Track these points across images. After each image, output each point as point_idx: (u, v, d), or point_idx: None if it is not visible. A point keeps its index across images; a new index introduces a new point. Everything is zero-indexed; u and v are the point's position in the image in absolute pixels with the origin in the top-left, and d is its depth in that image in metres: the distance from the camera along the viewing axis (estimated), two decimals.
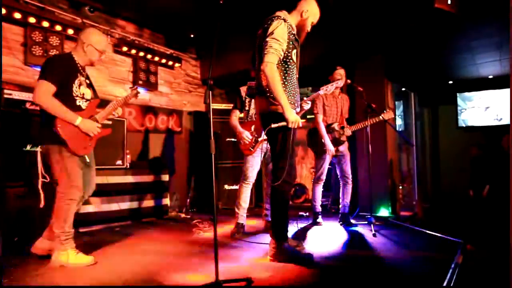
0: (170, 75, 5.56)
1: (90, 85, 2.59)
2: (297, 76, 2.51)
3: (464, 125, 6.95)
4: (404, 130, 6.94)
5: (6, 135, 3.09)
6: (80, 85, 2.46)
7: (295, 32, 2.43)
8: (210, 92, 2.01)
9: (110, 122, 3.91)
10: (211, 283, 1.92)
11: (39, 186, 2.46)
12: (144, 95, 5.11)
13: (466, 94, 6.88)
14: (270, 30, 2.29)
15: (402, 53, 4.94)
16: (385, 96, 4.99)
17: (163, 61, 5.24)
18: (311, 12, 2.47)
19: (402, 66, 5.44)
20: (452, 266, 2.28)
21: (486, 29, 4.21)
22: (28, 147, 2.46)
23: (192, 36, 5.32)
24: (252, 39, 2.57)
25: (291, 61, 2.40)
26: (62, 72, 2.35)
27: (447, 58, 5.34)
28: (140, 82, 4.94)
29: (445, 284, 2.03)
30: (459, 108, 6.96)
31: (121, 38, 4.77)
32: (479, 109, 6.77)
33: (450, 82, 6.67)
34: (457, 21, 3.91)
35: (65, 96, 2.35)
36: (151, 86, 5.13)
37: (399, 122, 6.84)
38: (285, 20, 2.34)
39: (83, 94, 2.49)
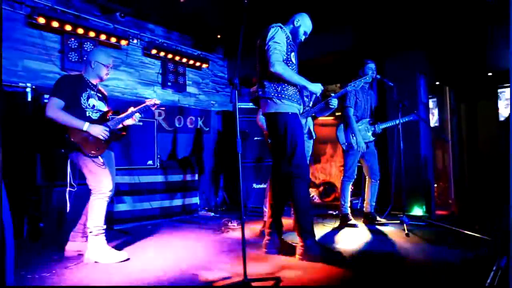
0: (198, 75, 5.65)
1: (102, 99, 2.82)
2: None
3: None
4: (438, 126, 6.63)
5: (46, 138, 3.31)
6: (88, 97, 2.69)
7: (291, 38, 2.68)
8: (236, 92, 2.05)
9: (141, 123, 4.05)
10: (239, 282, 1.93)
11: (66, 194, 2.66)
12: (173, 96, 5.24)
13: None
14: (269, 36, 2.53)
15: (439, 45, 4.69)
16: (418, 91, 4.79)
17: (191, 62, 5.33)
18: (302, 22, 2.71)
19: (437, 59, 5.19)
20: (494, 269, 2.15)
21: None
22: (63, 150, 2.64)
23: (219, 36, 5.37)
24: None
25: (290, 62, 2.60)
26: (68, 87, 2.60)
27: (487, 49, 5.03)
28: (169, 83, 5.06)
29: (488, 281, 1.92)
30: (500, 102, 6.55)
31: (150, 41, 4.91)
32: None
33: (490, 74, 6.29)
34: (498, 9, 3.68)
35: (75, 108, 2.60)
36: (180, 87, 5.23)
37: (433, 117, 6.55)
38: (281, 27, 2.59)
39: (93, 106, 2.71)
